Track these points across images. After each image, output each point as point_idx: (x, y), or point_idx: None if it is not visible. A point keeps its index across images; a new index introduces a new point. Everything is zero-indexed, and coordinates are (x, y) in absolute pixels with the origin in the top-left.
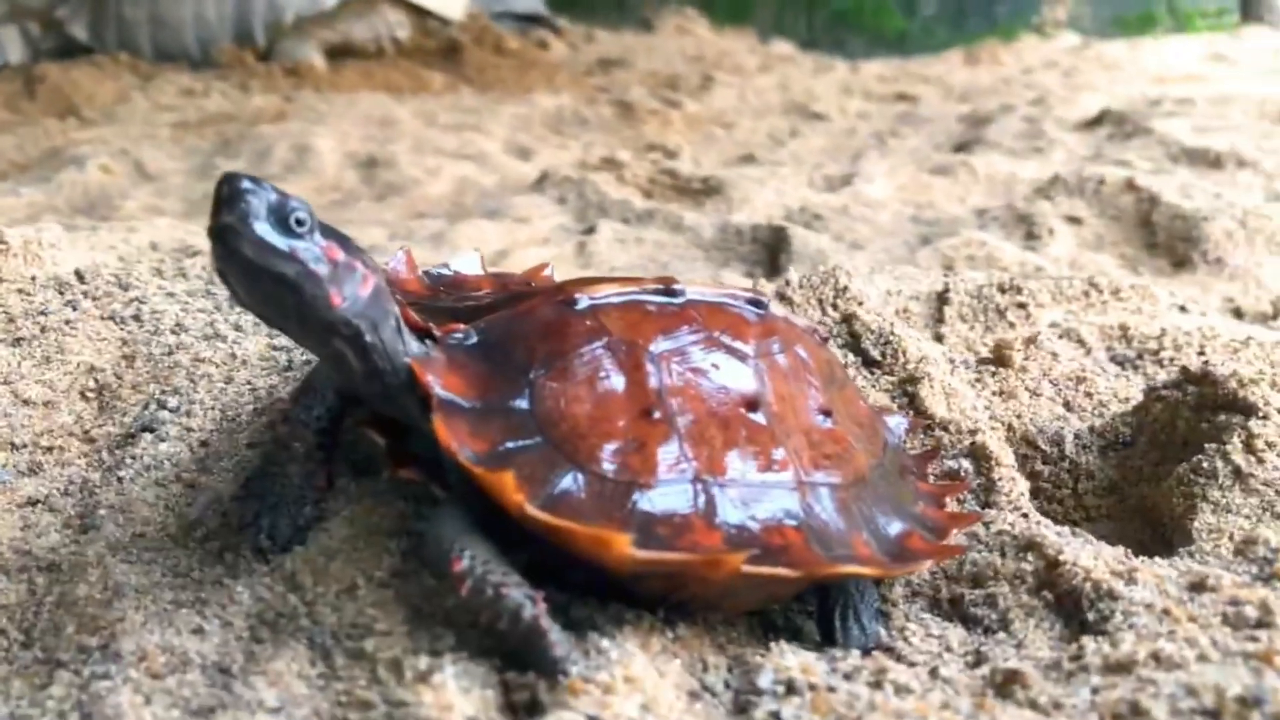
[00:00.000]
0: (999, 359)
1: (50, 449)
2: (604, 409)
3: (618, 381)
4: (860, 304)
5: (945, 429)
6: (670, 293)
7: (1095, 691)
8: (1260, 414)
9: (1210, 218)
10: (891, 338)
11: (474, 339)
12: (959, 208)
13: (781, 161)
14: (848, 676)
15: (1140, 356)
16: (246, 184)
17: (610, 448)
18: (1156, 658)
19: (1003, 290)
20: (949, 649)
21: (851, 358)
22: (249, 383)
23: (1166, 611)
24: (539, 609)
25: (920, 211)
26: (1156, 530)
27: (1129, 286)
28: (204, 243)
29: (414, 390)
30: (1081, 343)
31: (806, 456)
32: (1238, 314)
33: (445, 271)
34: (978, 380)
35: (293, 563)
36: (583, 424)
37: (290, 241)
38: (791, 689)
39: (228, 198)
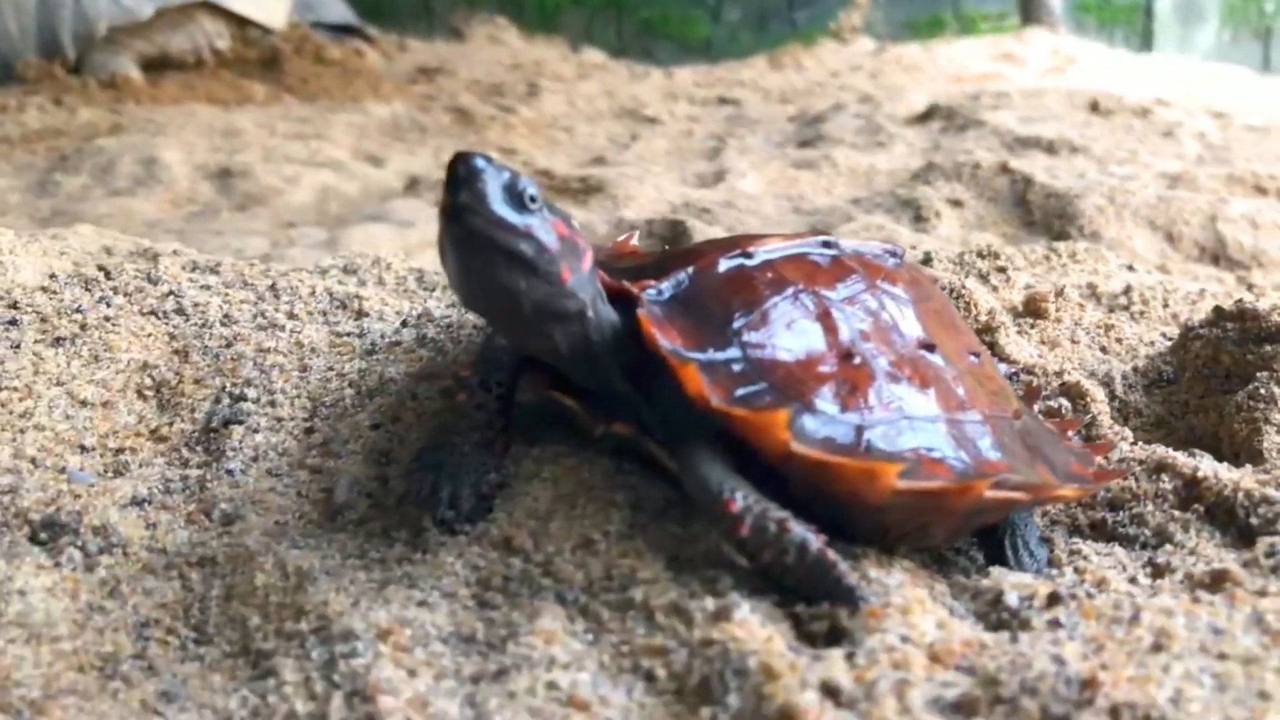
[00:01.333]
0: (1035, 311)
1: (120, 450)
2: (810, 355)
3: (813, 328)
4: None
5: (1030, 373)
6: (828, 245)
7: None
8: None
9: (1082, 195)
10: (963, 291)
11: (666, 295)
12: (827, 198)
13: (628, 163)
14: (1073, 589)
15: (1112, 311)
16: (480, 162)
17: (827, 390)
18: None
19: (982, 256)
20: (1124, 564)
21: None
22: (331, 369)
23: None
24: (822, 540)
25: (798, 203)
26: (1213, 455)
27: (1083, 249)
28: (161, 245)
29: (617, 353)
30: None
31: (980, 394)
32: None
33: None
34: (1019, 332)
35: (499, 529)
36: (796, 370)
37: (525, 218)
38: (1054, 600)
39: (463, 177)
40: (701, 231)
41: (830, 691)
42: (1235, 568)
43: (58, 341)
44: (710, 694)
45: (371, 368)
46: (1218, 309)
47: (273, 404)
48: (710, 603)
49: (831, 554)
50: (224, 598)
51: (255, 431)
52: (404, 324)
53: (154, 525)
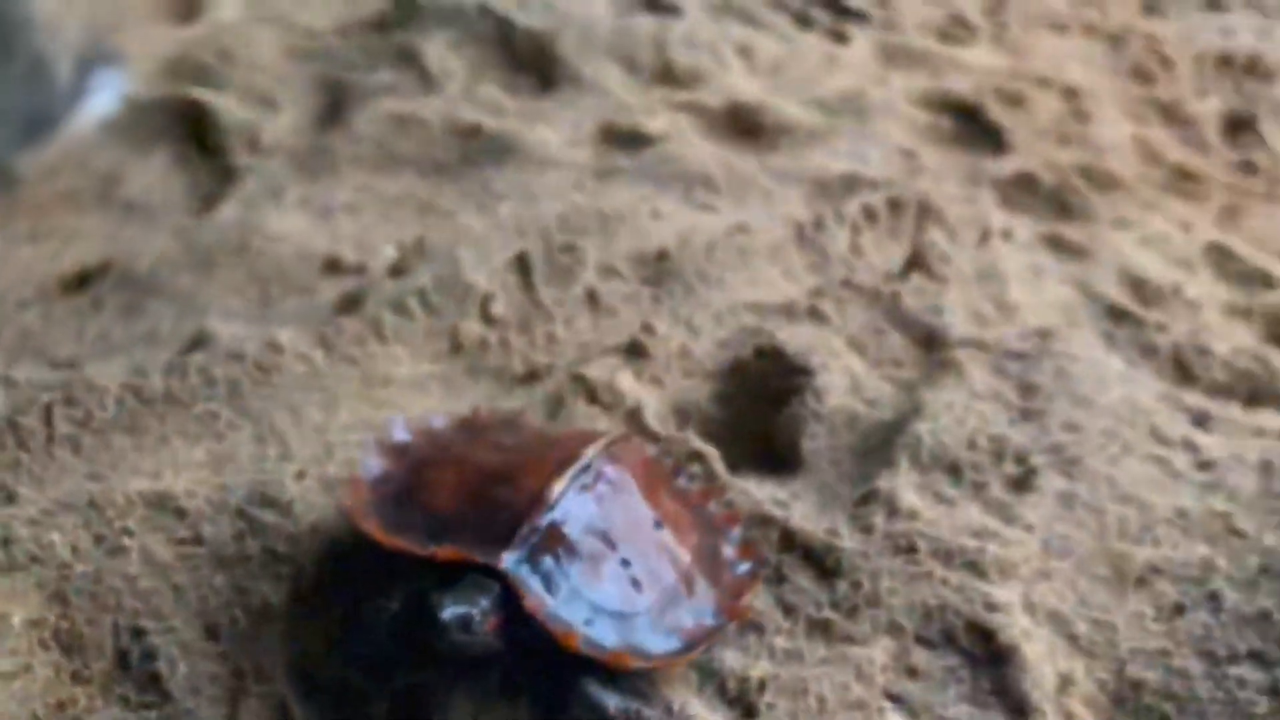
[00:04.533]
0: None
1: (61, 705)
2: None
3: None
4: None
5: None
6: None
7: None
8: None
9: (558, 33)
10: None
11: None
12: None
13: None
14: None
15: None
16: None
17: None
18: None
19: None
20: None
21: None
22: (200, 585)
23: None
24: None
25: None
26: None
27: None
28: None
29: None
30: None
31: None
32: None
33: None
34: None
35: None
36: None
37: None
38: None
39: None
40: None
41: None
42: (833, 615)
43: None
44: None
45: (238, 582)
46: (758, 349)
47: (171, 630)
48: None
49: None
50: None
51: (175, 662)
52: (242, 534)
53: None
